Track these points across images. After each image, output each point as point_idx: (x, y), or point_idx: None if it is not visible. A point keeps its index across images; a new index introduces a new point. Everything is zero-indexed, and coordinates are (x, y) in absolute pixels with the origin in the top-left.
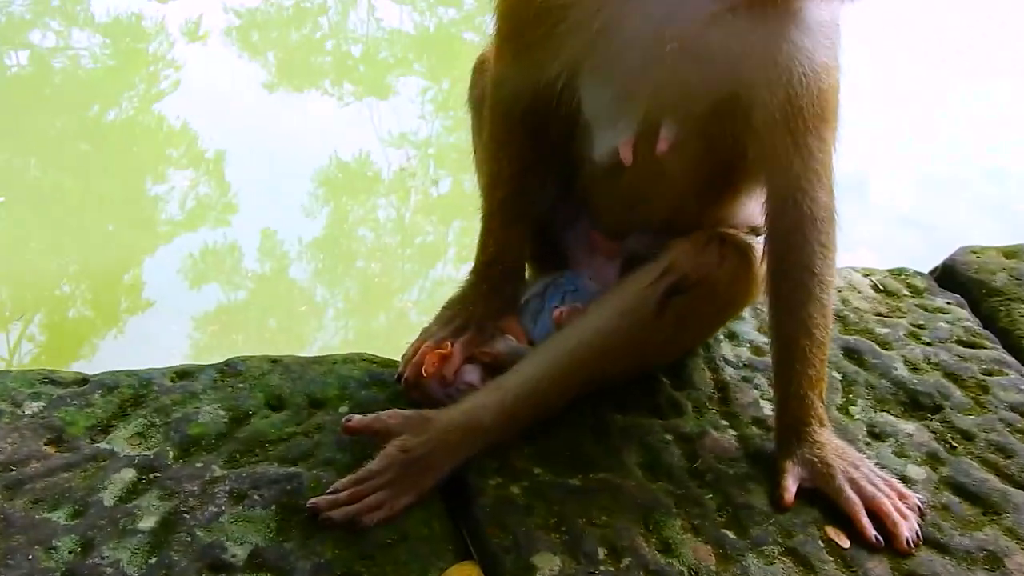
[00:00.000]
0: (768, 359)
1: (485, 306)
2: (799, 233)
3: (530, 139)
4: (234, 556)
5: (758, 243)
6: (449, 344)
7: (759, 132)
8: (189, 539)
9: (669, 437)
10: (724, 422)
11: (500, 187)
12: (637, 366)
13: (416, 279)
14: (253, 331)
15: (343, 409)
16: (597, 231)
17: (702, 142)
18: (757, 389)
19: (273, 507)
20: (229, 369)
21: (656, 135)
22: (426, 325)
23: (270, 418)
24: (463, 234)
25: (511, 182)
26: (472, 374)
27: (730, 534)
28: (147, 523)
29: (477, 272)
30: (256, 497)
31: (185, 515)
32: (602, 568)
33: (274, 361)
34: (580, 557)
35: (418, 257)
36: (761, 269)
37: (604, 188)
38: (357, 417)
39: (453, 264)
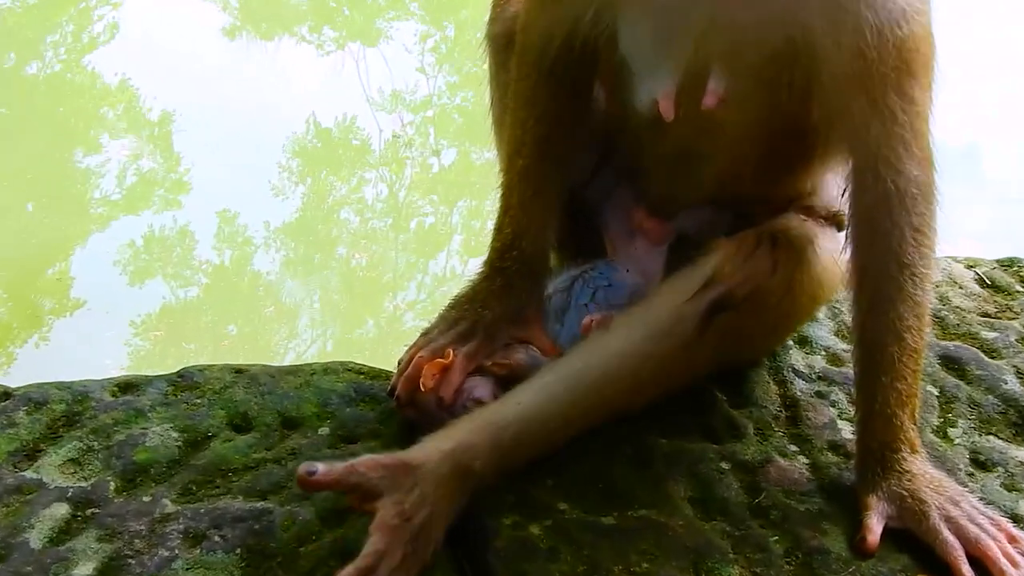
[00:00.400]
0: (848, 370)
1: (499, 305)
2: (884, 214)
3: (561, 94)
4: None
5: (834, 237)
6: (451, 352)
7: (826, 88)
8: None
9: (725, 466)
10: (793, 447)
11: (522, 153)
12: (668, 393)
13: (413, 273)
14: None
15: (324, 430)
16: (640, 208)
17: (760, 98)
18: (834, 407)
19: (238, 551)
20: (183, 381)
21: (704, 86)
22: (425, 328)
23: (234, 441)
24: (471, 216)
25: (536, 147)
26: (482, 389)
27: None
28: (83, 570)
29: (490, 263)
30: (217, 539)
31: (130, 560)
32: None
33: (239, 371)
34: None
35: (415, 246)
36: (835, 268)
37: (647, 152)
38: (322, 468)
39: (459, 255)
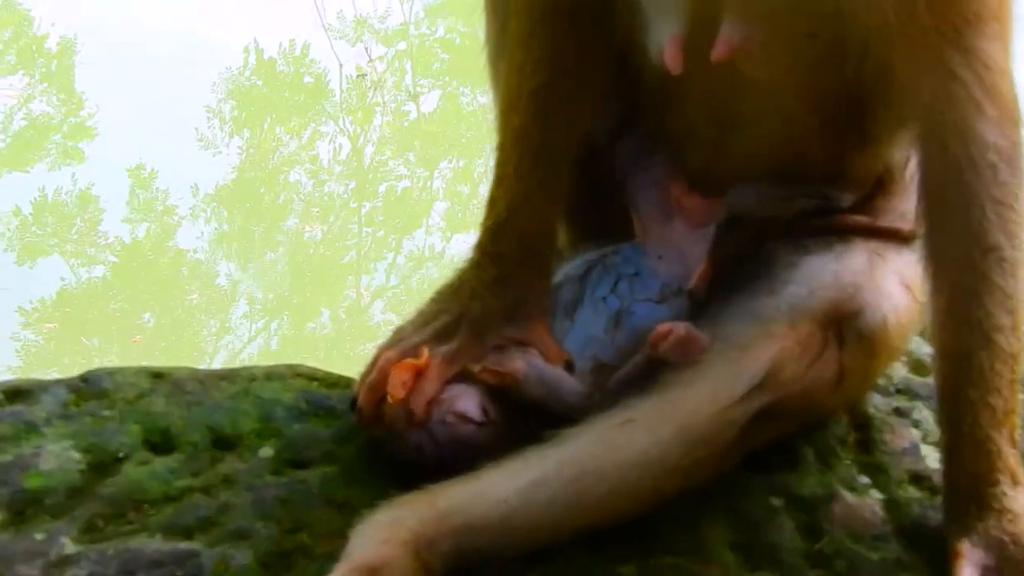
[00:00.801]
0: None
1: (491, 297)
2: (956, 189)
3: (569, 34)
4: None
5: (908, 265)
6: (425, 352)
7: (863, 42)
8: None
9: (777, 501)
10: (864, 479)
11: (518, 108)
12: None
13: (381, 252)
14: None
15: (266, 452)
16: (678, 180)
17: (791, 51)
18: (917, 428)
19: None
20: (88, 387)
21: (715, 33)
22: (398, 325)
23: (151, 465)
24: (458, 179)
25: (535, 101)
26: (466, 400)
27: None
28: None
29: (480, 247)
30: None
31: None
32: None
33: (158, 376)
34: None
35: (384, 217)
36: (911, 322)
37: (679, 113)
38: None
39: (440, 230)
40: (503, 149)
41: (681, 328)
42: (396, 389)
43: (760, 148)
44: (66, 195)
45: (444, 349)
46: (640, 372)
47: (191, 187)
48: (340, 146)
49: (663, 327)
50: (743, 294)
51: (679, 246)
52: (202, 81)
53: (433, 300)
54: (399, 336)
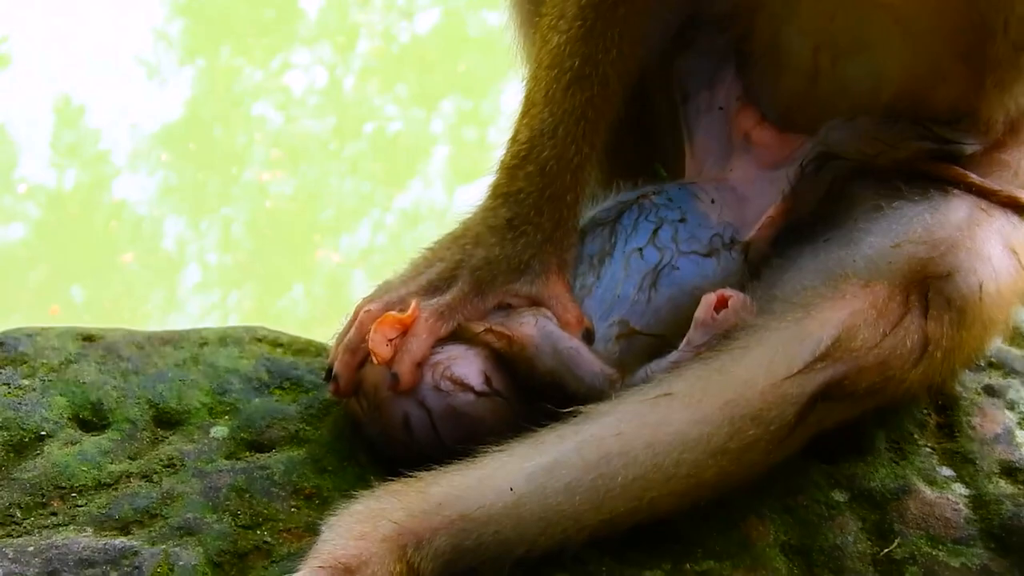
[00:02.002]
0: None
1: (497, 244)
2: None
3: None
4: None
5: (1016, 229)
6: (414, 304)
7: None
8: None
9: (840, 496)
10: (947, 471)
11: (560, 25)
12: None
13: (366, 207)
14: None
15: (219, 431)
16: (749, 107)
17: None
18: (1013, 410)
19: None
20: (3, 351)
21: None
22: (385, 279)
23: (80, 445)
24: (463, 121)
25: (586, 14)
26: (465, 364)
27: None
28: None
29: (494, 187)
30: None
31: None
32: None
33: (88, 339)
34: None
35: (370, 165)
36: (1012, 296)
37: (778, 25)
38: None
39: (442, 179)
40: (534, 78)
41: (737, 294)
42: (379, 347)
43: (876, 79)
44: None
45: (436, 302)
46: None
47: (130, 125)
48: (315, 77)
49: (711, 296)
50: (815, 244)
51: (739, 188)
52: None
53: (428, 249)
54: (384, 288)
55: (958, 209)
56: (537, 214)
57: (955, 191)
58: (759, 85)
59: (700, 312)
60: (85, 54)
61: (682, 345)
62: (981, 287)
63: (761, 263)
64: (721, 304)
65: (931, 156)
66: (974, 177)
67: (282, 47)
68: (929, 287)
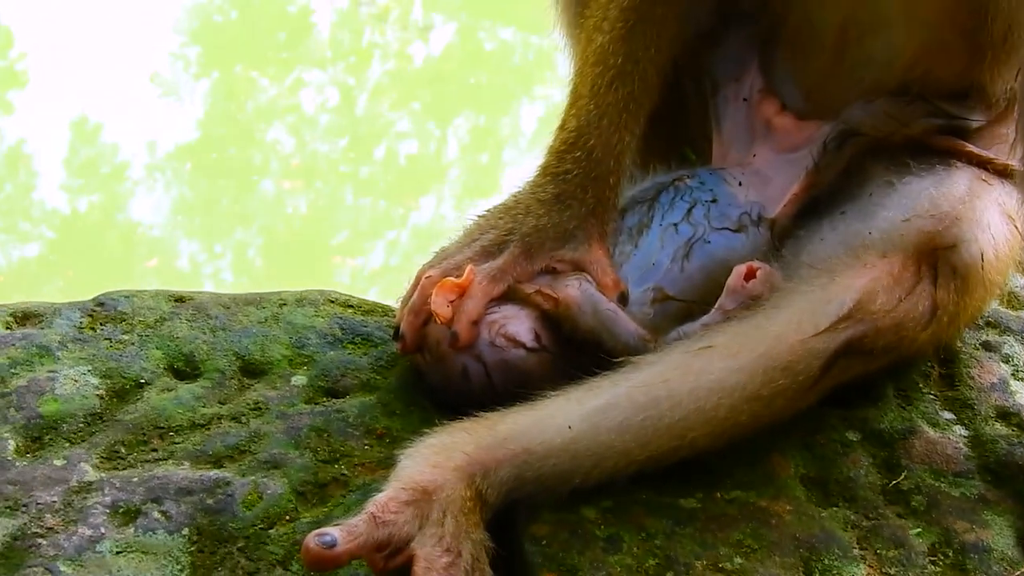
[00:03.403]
0: None
1: (545, 215)
2: None
3: None
4: None
5: (1009, 198)
6: (470, 269)
7: None
8: None
9: (853, 436)
10: (948, 415)
11: (603, 27)
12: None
13: (380, 228)
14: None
15: (298, 380)
16: (771, 98)
17: None
18: (1008, 363)
19: (185, 532)
20: (103, 311)
21: None
22: (442, 247)
23: (175, 391)
24: (479, 138)
25: (627, 16)
26: (518, 323)
27: None
28: None
29: (543, 167)
30: (156, 515)
31: (40, 540)
32: None
33: (180, 300)
34: None
35: (385, 185)
36: (1008, 259)
37: (805, 12)
38: (339, 533)
39: (455, 199)
40: (581, 73)
41: (764, 266)
42: (440, 308)
43: (893, 54)
44: None
45: (489, 266)
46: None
47: (147, 144)
48: (329, 96)
49: (742, 267)
50: (833, 217)
51: (763, 171)
52: (162, 17)
53: (481, 217)
54: (442, 255)
55: (960, 182)
56: (583, 192)
57: (958, 164)
58: (782, 75)
59: (732, 280)
60: (101, 73)
61: (714, 309)
62: (982, 255)
63: (786, 236)
64: (751, 274)
65: (939, 131)
66: (973, 148)
67: (295, 62)
68: (938, 257)
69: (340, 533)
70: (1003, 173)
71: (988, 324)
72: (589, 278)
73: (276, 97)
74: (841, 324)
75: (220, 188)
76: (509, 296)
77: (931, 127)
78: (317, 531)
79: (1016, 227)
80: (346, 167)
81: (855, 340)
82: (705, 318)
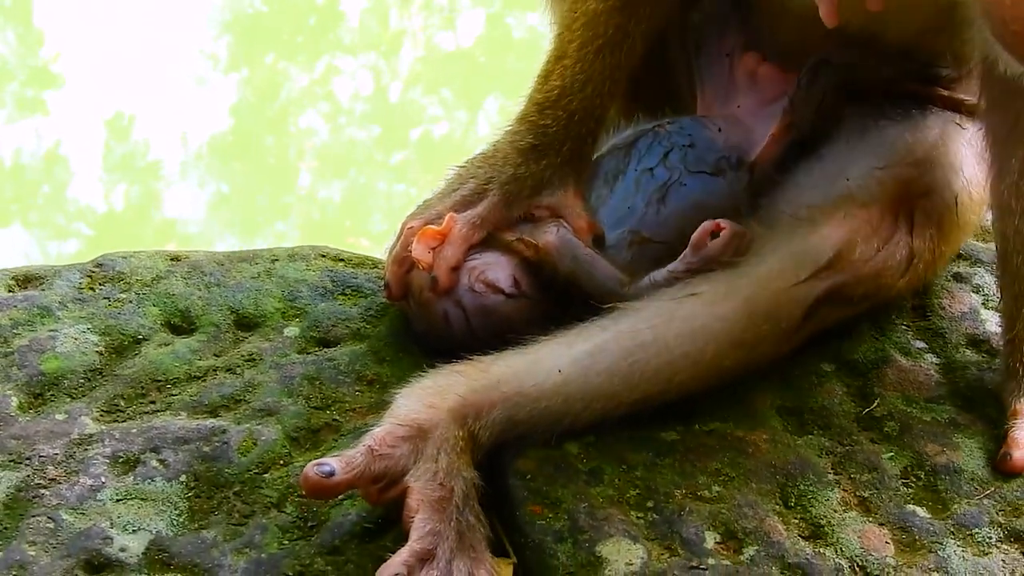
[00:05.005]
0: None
1: (523, 164)
2: None
3: None
4: (123, 550)
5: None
6: (450, 217)
7: None
8: (51, 525)
9: (828, 367)
10: (920, 343)
11: None
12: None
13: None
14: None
15: (291, 331)
16: (752, 52)
17: None
18: (978, 293)
19: (182, 478)
20: (102, 271)
21: None
22: (425, 199)
23: (172, 346)
24: (508, 121)
25: None
26: (498, 270)
27: (921, 511)
28: None
29: (523, 117)
30: (155, 464)
31: (43, 490)
32: (711, 561)
33: (175, 259)
34: (677, 545)
35: (417, 169)
36: (979, 205)
37: None
38: (337, 463)
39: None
40: (570, 30)
41: (731, 225)
42: (421, 255)
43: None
44: (28, 155)
45: (469, 213)
46: (680, 278)
47: (180, 135)
48: (361, 83)
49: (708, 224)
50: (810, 160)
51: (744, 120)
52: (194, 14)
53: (461, 167)
54: (425, 207)
55: (934, 126)
56: (560, 145)
57: (932, 108)
58: (763, 28)
59: (696, 236)
60: (134, 68)
61: (678, 260)
62: (956, 199)
63: (765, 182)
64: (715, 232)
65: (913, 76)
66: (945, 92)
67: (325, 51)
68: (914, 205)
69: (338, 464)
70: (960, 107)
71: (960, 257)
72: (566, 224)
73: (309, 85)
74: (822, 273)
75: (256, 181)
76: (491, 244)
77: (905, 69)
78: (316, 461)
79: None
80: (379, 154)
81: (835, 289)
82: (671, 266)
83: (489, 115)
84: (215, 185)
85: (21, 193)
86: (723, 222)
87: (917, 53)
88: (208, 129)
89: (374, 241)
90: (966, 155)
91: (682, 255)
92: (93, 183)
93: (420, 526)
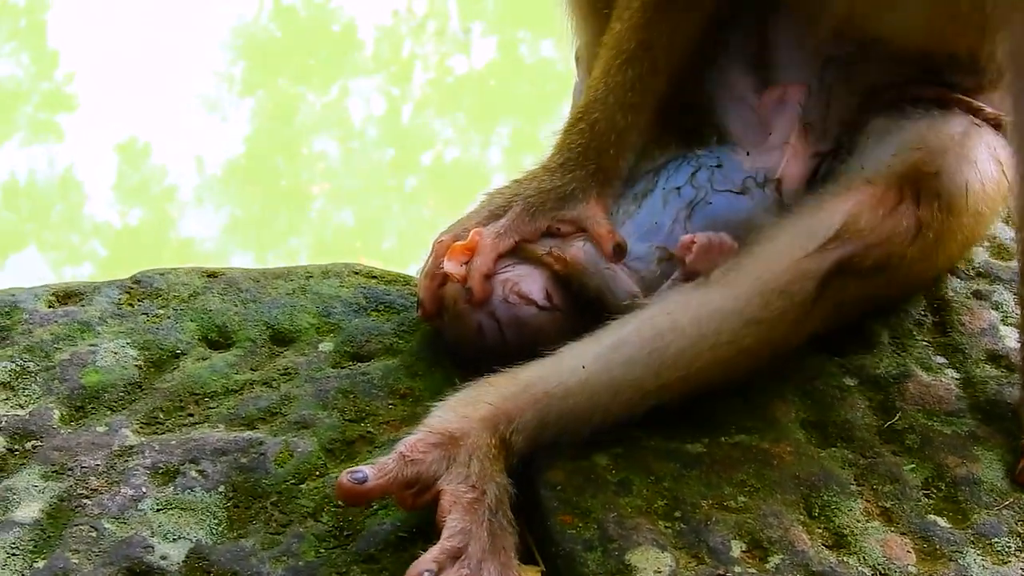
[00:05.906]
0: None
1: (548, 180)
2: None
3: None
4: (164, 558)
5: (997, 142)
6: (474, 229)
7: None
8: (94, 533)
9: (850, 382)
10: (940, 359)
11: (624, 16)
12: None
13: (425, 234)
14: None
15: (325, 346)
16: (773, 87)
17: None
18: (997, 310)
19: (221, 489)
20: (140, 288)
21: None
22: (458, 219)
23: (210, 360)
24: (519, 145)
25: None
26: (530, 282)
27: (941, 521)
28: (28, 512)
29: (553, 145)
30: (194, 475)
31: (85, 500)
32: (737, 569)
33: (212, 276)
34: (704, 554)
35: (429, 192)
36: (996, 196)
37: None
38: (370, 470)
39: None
40: (597, 58)
41: (703, 237)
42: (453, 268)
43: (901, 27)
44: (42, 176)
45: (495, 225)
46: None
47: (195, 158)
48: (374, 106)
49: (685, 238)
50: (831, 160)
51: (774, 142)
52: (209, 37)
53: (495, 189)
54: (455, 225)
55: (955, 124)
56: (584, 159)
57: (956, 110)
58: (778, 55)
59: (676, 251)
60: (148, 93)
61: (670, 278)
62: (967, 184)
63: (795, 199)
64: (688, 246)
65: (932, 81)
66: (967, 99)
67: (338, 74)
68: (920, 183)
69: (371, 470)
70: (995, 123)
71: (979, 274)
72: (591, 239)
73: (323, 108)
74: (830, 244)
75: (271, 205)
76: (521, 256)
77: (918, 71)
78: (350, 468)
79: (1003, 171)
80: (393, 178)
81: (845, 259)
82: (671, 280)
83: (501, 139)
84: (229, 209)
85: (34, 216)
86: (697, 235)
87: (930, 58)
88: (223, 153)
89: (386, 263)
90: (983, 151)
91: (676, 272)
92: (107, 204)
93: (452, 525)
